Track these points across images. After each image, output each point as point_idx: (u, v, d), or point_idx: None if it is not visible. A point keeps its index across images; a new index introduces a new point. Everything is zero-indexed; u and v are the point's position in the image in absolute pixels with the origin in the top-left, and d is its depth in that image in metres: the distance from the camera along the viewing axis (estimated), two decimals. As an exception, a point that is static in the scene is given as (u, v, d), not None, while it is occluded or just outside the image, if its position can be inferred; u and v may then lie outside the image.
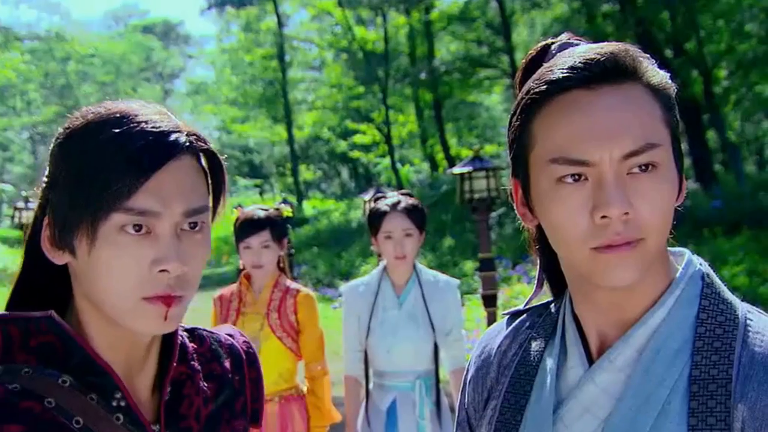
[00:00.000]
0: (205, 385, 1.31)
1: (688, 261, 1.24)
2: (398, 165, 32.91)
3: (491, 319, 7.67)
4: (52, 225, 1.16)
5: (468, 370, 1.43)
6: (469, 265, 16.85)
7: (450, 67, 27.63)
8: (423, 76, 27.94)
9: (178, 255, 1.12)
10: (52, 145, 1.19)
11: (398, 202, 3.80)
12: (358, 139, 33.38)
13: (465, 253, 18.69)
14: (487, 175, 7.48)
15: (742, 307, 1.18)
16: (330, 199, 36.88)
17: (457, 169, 7.86)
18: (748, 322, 1.15)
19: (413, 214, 3.79)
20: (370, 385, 3.89)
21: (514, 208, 1.26)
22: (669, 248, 1.27)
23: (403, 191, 4.02)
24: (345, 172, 45.10)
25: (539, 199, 1.17)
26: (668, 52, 19.78)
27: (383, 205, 3.82)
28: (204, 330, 1.39)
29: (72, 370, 1.14)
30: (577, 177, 1.11)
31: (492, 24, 26.47)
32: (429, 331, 3.80)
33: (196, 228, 1.16)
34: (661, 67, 1.18)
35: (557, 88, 1.12)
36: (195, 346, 1.34)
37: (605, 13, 20.33)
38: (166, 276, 1.12)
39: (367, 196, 11.61)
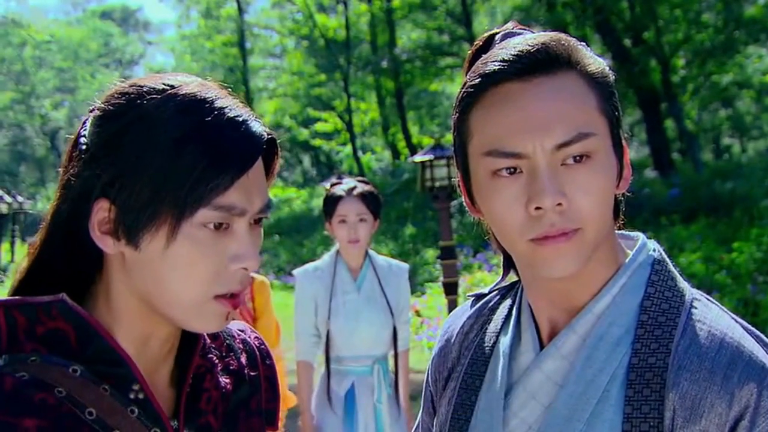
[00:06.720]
0: (224, 379, 1.23)
1: (641, 247, 1.23)
2: (360, 153, 32.89)
3: (452, 307, 7.70)
4: (117, 213, 1.05)
5: (433, 350, 1.44)
6: (431, 253, 16.92)
7: (411, 56, 27.65)
8: (384, 64, 27.89)
9: (256, 251, 1.08)
10: (97, 119, 1.08)
11: (354, 188, 3.82)
12: (319, 127, 33.25)
13: (426, 241, 18.76)
14: (447, 163, 7.51)
15: (690, 295, 1.18)
16: (292, 187, 36.73)
17: (418, 157, 7.89)
18: (692, 310, 1.15)
19: (368, 199, 3.81)
20: (331, 368, 3.84)
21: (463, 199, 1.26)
22: (624, 232, 1.28)
23: (360, 178, 4.03)
24: (307, 160, 44.95)
25: (479, 191, 1.17)
26: (627, 42, 19.94)
27: (339, 190, 3.84)
28: None
29: (86, 359, 1.06)
30: (512, 170, 1.11)
31: (453, 12, 26.50)
32: (388, 314, 3.83)
33: (260, 223, 1.12)
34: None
35: (490, 81, 1.13)
36: (209, 341, 1.25)
37: (565, 2, 20.40)
38: (242, 273, 1.08)
39: (329, 184, 11.58)
